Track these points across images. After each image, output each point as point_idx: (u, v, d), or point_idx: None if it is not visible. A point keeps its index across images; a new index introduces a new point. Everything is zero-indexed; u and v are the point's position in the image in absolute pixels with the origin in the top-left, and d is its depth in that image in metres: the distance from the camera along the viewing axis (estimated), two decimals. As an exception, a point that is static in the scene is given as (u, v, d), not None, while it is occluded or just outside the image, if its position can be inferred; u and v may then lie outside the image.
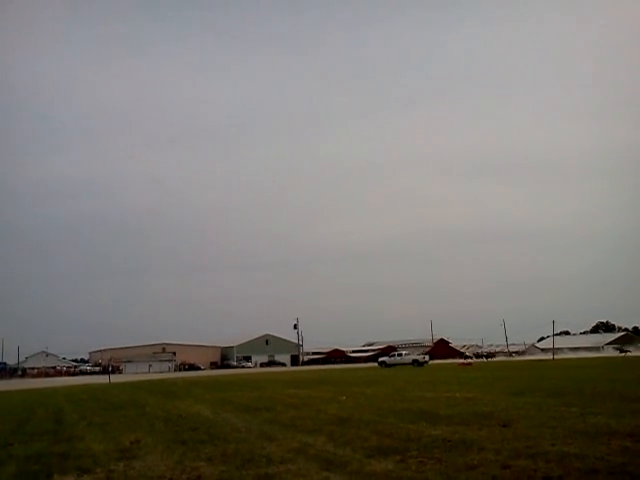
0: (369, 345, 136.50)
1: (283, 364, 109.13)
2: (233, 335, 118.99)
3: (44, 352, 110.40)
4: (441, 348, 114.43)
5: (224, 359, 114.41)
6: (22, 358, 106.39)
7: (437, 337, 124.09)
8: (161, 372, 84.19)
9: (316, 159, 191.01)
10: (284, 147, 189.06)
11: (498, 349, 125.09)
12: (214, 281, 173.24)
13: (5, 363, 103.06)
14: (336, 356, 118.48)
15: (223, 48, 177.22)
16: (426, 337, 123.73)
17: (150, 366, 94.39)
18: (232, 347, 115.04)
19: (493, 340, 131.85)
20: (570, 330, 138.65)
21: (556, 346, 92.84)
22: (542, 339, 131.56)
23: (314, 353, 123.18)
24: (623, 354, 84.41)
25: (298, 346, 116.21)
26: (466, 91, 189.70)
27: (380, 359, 70.22)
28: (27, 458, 9.37)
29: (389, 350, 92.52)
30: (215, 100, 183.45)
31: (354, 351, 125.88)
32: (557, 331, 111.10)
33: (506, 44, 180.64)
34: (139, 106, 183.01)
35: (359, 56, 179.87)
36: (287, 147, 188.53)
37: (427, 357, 69.98)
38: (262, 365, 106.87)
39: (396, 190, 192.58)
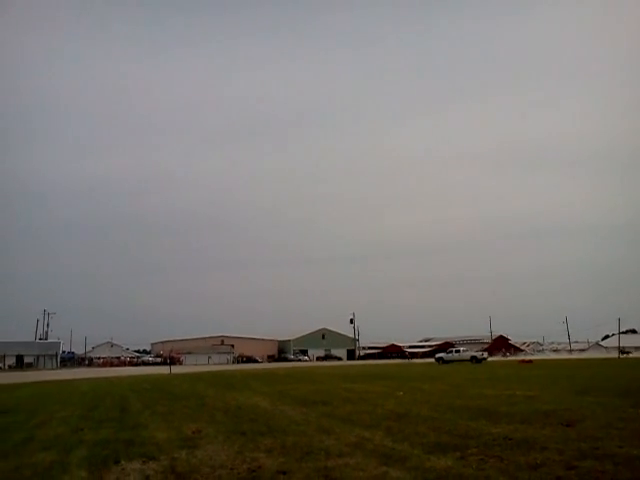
0: (426, 341, 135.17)
1: (339, 358, 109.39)
2: (290, 329, 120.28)
3: (109, 343, 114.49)
4: (500, 345, 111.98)
5: (281, 352, 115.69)
6: (89, 348, 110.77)
7: (496, 334, 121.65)
8: (220, 364, 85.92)
9: (373, 153, 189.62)
10: (340, 141, 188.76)
11: (560, 347, 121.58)
12: (272, 276, 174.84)
13: (73, 352, 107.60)
14: (392, 351, 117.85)
15: (280, 44, 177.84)
16: (484, 333, 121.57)
17: (209, 358, 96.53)
18: (289, 341, 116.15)
19: (555, 337, 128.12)
20: (637, 329, 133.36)
21: (622, 345, 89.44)
22: (606, 337, 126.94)
23: (370, 348, 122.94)
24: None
25: (354, 340, 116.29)
26: (525, 83, 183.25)
27: (437, 355, 69.41)
28: (96, 443, 9.76)
29: (446, 346, 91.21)
30: (273, 96, 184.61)
31: (411, 346, 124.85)
32: (623, 329, 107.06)
33: (565, 34, 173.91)
34: (199, 103, 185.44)
35: (421, 51, 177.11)
36: (343, 141, 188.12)
37: (486, 354, 68.73)
38: (318, 359, 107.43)
39: (454, 183, 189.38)
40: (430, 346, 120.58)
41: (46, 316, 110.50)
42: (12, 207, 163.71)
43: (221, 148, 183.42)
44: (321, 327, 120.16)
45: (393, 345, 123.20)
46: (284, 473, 7.11)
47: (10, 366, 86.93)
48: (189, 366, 77.89)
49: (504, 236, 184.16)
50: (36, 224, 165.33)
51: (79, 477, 7.31)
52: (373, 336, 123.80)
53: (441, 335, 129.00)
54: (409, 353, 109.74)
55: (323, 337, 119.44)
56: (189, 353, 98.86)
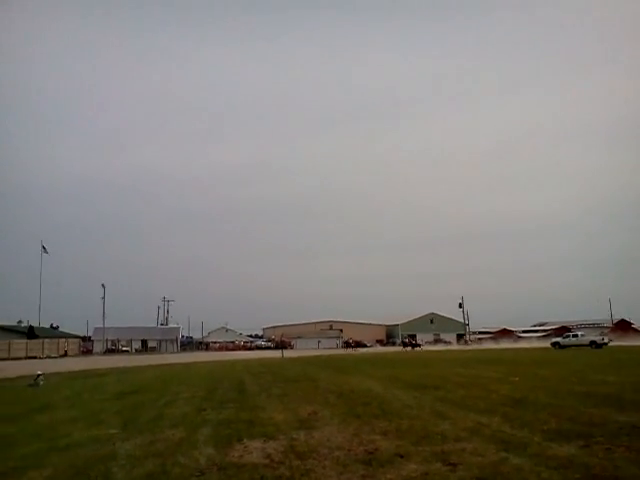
0: (540, 325, 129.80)
1: (449, 343, 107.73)
2: (398, 313, 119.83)
3: (224, 328, 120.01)
4: (622, 330, 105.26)
5: (389, 337, 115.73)
6: (205, 333, 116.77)
7: (617, 318, 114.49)
8: (329, 348, 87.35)
9: (475, 131, 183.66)
10: (438, 124, 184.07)
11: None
12: (379, 260, 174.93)
13: (191, 337, 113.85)
14: (504, 336, 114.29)
15: (371, 28, 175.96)
16: (604, 317, 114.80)
17: (319, 342, 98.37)
18: (397, 325, 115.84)
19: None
20: None
21: None
22: None
23: (480, 332, 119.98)
24: None
25: (464, 325, 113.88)
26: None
27: (553, 340, 66.45)
28: (219, 423, 10.33)
29: (563, 331, 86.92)
30: (367, 82, 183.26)
31: (524, 331, 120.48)
32: None
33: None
34: (296, 91, 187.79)
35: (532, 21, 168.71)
36: (442, 123, 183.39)
37: (607, 338, 64.89)
38: (427, 344, 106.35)
39: (560, 160, 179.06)
40: (544, 330, 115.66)
41: (166, 303, 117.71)
42: (130, 199, 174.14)
43: (324, 134, 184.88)
44: (430, 312, 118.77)
45: (505, 330, 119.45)
46: (401, 456, 7.17)
47: (136, 349, 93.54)
48: (299, 350, 79.82)
49: (625, 217, 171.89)
50: (152, 215, 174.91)
51: (207, 453, 7.77)
52: (484, 321, 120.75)
53: (556, 319, 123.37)
54: (520, 338, 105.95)
55: (432, 322, 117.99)
56: (299, 337, 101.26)
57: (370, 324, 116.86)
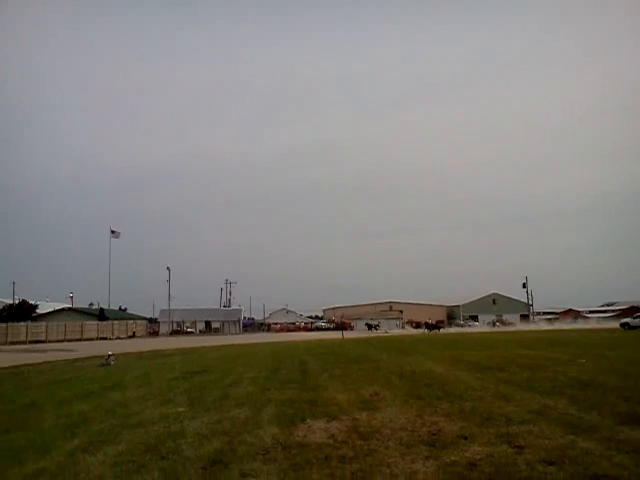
0: (608, 305, 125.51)
1: (512, 324, 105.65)
2: (460, 294, 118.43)
3: (284, 309, 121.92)
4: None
5: (450, 318, 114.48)
6: (267, 314, 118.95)
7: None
8: (389, 329, 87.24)
9: (543, 105, 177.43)
10: (505, 101, 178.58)
11: None
12: (440, 240, 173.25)
13: (253, 318, 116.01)
14: (570, 316, 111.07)
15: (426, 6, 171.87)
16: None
17: (379, 323, 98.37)
18: (458, 306, 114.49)
19: None
20: None
21: None
22: None
23: (545, 313, 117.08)
24: None
25: (527, 305, 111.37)
26: None
27: (622, 320, 64.18)
28: (282, 402, 10.51)
29: (632, 311, 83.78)
30: (428, 62, 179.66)
31: (591, 311, 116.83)
32: None
33: None
34: (352, 75, 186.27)
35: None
36: (506, 100, 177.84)
37: (682, 319, 62.04)
38: (487, 325, 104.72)
39: (627, 138, 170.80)
40: (613, 311, 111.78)
41: (228, 285, 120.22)
42: (192, 185, 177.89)
43: (382, 116, 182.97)
44: (492, 292, 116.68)
45: (571, 310, 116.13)
46: (465, 438, 7.13)
47: (201, 331, 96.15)
48: (359, 331, 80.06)
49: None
50: (214, 200, 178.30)
51: (272, 432, 7.94)
52: (549, 301, 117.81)
53: (626, 299, 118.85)
54: (587, 318, 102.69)
55: (494, 302, 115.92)
56: (359, 319, 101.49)
57: (431, 305, 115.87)
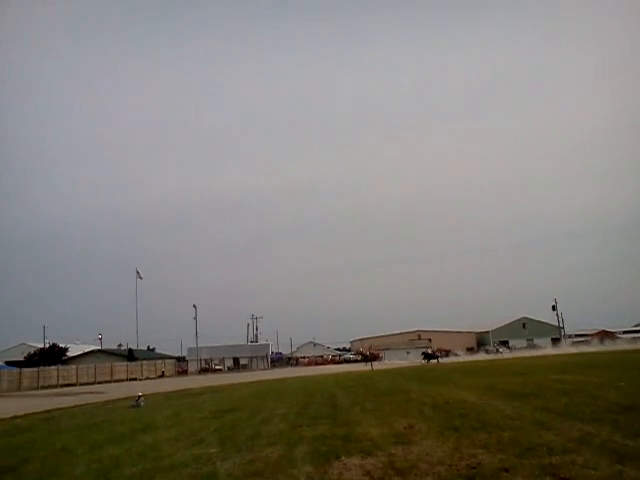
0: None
1: (543, 348, 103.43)
2: (488, 319, 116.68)
3: (312, 342, 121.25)
4: None
5: (480, 344, 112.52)
6: (294, 348, 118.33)
7: None
8: (418, 359, 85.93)
9: (562, 126, 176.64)
10: (530, 121, 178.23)
11: None
12: (465, 264, 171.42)
13: (281, 353, 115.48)
14: (604, 338, 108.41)
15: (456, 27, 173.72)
16: None
17: (408, 353, 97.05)
18: (487, 332, 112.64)
19: None
20: None
21: None
22: None
23: (577, 335, 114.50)
24: None
25: (558, 328, 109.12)
26: None
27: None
28: (315, 439, 10.32)
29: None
30: (450, 80, 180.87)
31: (625, 332, 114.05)
32: None
33: None
34: (378, 102, 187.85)
35: None
36: (533, 119, 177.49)
37: None
38: (518, 350, 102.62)
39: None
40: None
41: (254, 320, 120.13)
42: (215, 220, 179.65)
43: (403, 142, 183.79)
44: (521, 316, 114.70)
45: (604, 331, 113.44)
46: (506, 470, 6.90)
47: (229, 367, 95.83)
48: (388, 362, 79.04)
49: None
50: (237, 234, 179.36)
51: (306, 471, 7.77)
52: (579, 323, 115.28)
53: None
54: (621, 339, 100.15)
55: (524, 326, 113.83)
56: (387, 349, 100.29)
57: (459, 332, 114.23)
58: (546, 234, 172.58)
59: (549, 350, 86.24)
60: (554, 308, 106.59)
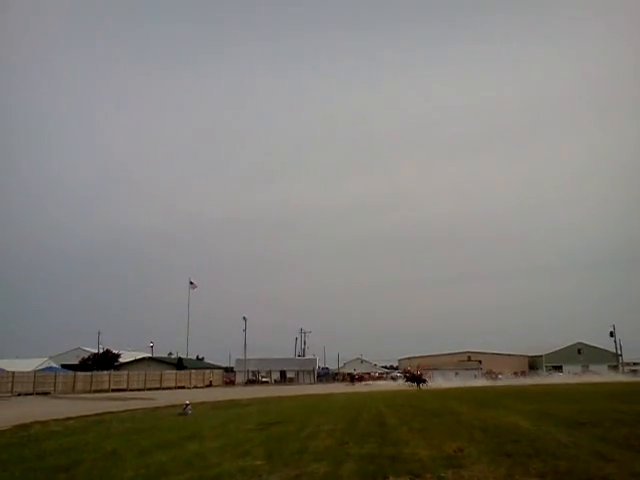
0: None
1: (598, 374, 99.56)
2: (542, 343, 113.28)
3: (359, 359, 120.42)
4: None
5: (532, 368, 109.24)
6: (341, 364, 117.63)
7: None
8: (467, 380, 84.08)
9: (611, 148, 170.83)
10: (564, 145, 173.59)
11: None
12: (518, 287, 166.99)
13: (327, 368, 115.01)
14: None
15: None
16: None
17: (456, 374, 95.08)
18: (540, 356, 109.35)
19: None
20: None
21: None
22: None
23: (635, 364, 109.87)
24: None
25: (616, 355, 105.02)
26: None
27: None
28: (362, 457, 10.13)
29: None
30: (505, 101, 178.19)
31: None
32: None
33: None
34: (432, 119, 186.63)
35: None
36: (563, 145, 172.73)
37: None
38: (574, 375, 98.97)
39: None
40: None
41: (303, 334, 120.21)
42: (267, 237, 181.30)
43: (454, 161, 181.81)
44: (576, 341, 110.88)
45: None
46: (563, 501, 6.58)
47: (275, 380, 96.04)
48: (437, 383, 77.59)
49: None
50: (288, 248, 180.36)
51: (353, 489, 7.62)
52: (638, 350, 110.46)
53: None
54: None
55: (579, 352, 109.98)
56: (435, 369, 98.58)
57: (510, 355, 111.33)
58: (610, 258, 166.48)
59: (605, 377, 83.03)
60: (612, 334, 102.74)
